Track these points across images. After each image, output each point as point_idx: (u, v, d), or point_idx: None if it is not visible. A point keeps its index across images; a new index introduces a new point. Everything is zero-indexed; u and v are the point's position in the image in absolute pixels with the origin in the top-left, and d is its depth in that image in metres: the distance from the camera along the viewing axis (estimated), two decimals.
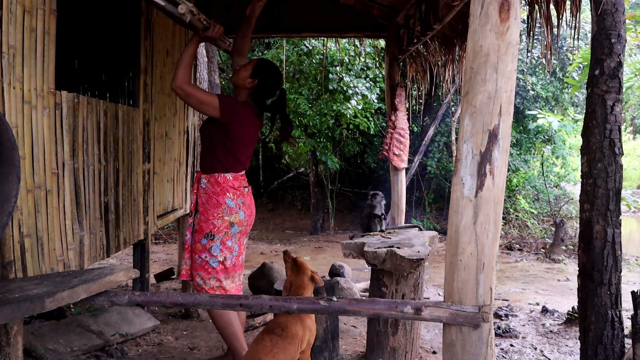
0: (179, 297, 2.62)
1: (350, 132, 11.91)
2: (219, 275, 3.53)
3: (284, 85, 3.83)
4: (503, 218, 10.88)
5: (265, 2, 3.88)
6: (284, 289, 3.43)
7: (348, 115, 10.43)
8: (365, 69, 10.68)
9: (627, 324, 3.92)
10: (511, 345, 4.82)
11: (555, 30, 3.97)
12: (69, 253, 3.24)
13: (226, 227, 3.52)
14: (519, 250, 9.84)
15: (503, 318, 5.51)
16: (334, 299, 2.49)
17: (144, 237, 4.67)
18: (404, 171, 6.58)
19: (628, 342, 3.86)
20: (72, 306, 4.66)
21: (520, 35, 2.55)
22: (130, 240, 4.40)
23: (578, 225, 4.00)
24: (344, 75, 10.23)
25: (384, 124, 11.27)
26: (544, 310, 5.70)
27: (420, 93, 8.42)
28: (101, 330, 4.19)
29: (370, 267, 3.78)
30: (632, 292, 3.71)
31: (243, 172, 3.65)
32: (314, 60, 10.43)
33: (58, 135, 3.11)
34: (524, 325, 5.33)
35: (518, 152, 11.95)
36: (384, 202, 4.72)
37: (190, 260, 3.64)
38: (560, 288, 7.05)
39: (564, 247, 9.20)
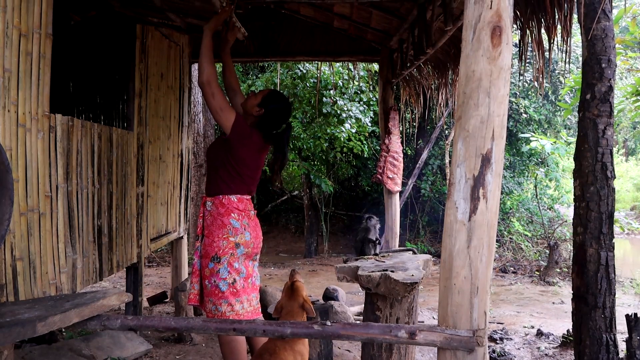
0: (172, 321, 2.60)
1: (344, 155, 11.93)
2: (230, 299, 3.44)
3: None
4: (497, 241, 10.88)
5: (235, 36, 3.91)
6: (274, 310, 3.39)
7: (342, 139, 10.46)
8: (359, 92, 10.74)
9: (622, 347, 3.91)
10: None
11: (547, 54, 4.01)
12: (61, 276, 3.22)
13: (232, 248, 3.46)
14: (513, 273, 9.83)
15: (498, 341, 5.49)
16: (328, 323, 2.48)
17: (137, 261, 4.65)
18: (397, 194, 6.59)
19: None
20: (63, 330, 4.61)
21: (512, 59, 2.58)
22: (124, 264, 4.38)
23: (572, 248, 4.01)
24: (337, 98, 10.28)
25: (377, 147, 11.30)
26: (539, 334, 5.68)
27: (413, 116, 8.47)
28: (93, 355, 4.15)
29: (364, 291, 3.76)
30: (627, 316, 3.71)
31: (249, 197, 3.62)
32: (307, 84, 10.48)
33: (52, 158, 3.11)
34: (519, 349, 5.31)
35: (511, 175, 12.00)
36: (378, 225, 4.72)
37: (198, 285, 3.57)
38: (555, 311, 7.03)
39: (558, 270, 9.20)
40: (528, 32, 4.10)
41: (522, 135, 10.83)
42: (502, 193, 11.15)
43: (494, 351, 5.05)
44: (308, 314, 3.32)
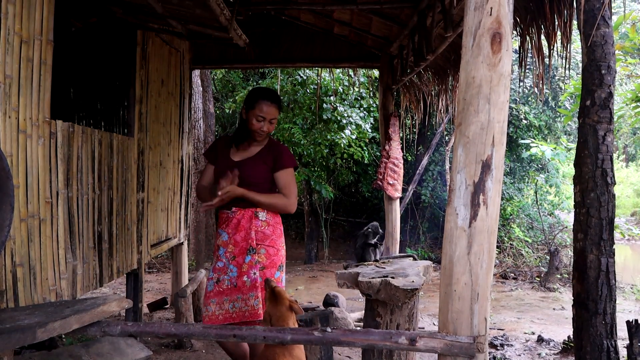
0: (172, 328, 2.60)
1: (344, 161, 11.92)
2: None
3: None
4: (497, 247, 10.87)
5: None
6: (263, 321, 3.31)
7: (342, 145, 10.45)
8: (359, 98, 10.74)
9: (623, 353, 3.90)
10: None
11: (546, 60, 4.02)
12: (61, 282, 3.22)
13: (284, 255, 3.58)
14: (514, 279, 9.82)
15: (499, 348, 5.48)
16: (328, 329, 2.47)
17: (137, 267, 4.64)
18: (398, 200, 6.59)
19: None
20: (63, 336, 4.60)
21: (512, 65, 2.59)
22: (124, 270, 4.37)
23: (572, 254, 4.01)
24: (338, 104, 10.28)
25: (378, 153, 11.29)
26: (540, 340, 5.67)
27: (414, 122, 8.47)
28: None
29: (364, 297, 3.76)
30: (627, 322, 3.71)
31: None
32: (308, 90, 10.48)
33: (52, 164, 3.11)
34: (519, 355, 5.30)
35: (512, 181, 11.99)
36: (381, 231, 4.70)
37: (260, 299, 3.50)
38: (555, 317, 7.02)
39: (558, 276, 9.18)
40: (528, 38, 4.11)
41: (522, 141, 10.83)
42: (502, 199, 11.14)
43: (494, 357, 5.04)
44: (297, 312, 3.27)
